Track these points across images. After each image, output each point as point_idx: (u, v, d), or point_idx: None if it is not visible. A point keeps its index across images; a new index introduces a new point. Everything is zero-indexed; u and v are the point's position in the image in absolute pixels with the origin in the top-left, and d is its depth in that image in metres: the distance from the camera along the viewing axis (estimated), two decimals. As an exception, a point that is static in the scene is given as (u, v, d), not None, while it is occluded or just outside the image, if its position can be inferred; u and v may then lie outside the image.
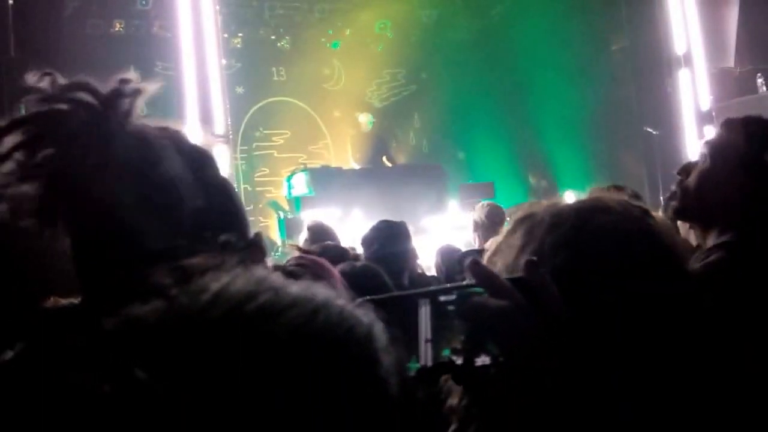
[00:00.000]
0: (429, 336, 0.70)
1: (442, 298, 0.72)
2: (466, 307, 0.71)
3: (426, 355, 0.70)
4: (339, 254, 2.67)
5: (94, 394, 0.48)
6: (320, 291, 0.56)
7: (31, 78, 0.81)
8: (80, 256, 0.85)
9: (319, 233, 4.84)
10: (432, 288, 0.76)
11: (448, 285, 0.79)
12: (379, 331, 0.57)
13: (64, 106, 0.81)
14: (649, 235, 0.81)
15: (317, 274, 1.38)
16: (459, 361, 0.69)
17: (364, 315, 0.58)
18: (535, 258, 0.73)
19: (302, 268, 1.38)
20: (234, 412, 0.49)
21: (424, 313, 0.71)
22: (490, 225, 4.47)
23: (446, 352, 0.70)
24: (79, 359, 0.52)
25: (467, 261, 0.74)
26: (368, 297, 0.65)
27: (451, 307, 0.72)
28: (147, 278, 0.63)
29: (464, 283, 0.74)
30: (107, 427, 0.48)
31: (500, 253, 0.85)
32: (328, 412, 0.51)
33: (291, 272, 1.27)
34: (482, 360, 0.69)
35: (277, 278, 0.57)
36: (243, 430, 0.49)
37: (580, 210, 0.83)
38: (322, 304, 0.55)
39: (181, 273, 0.60)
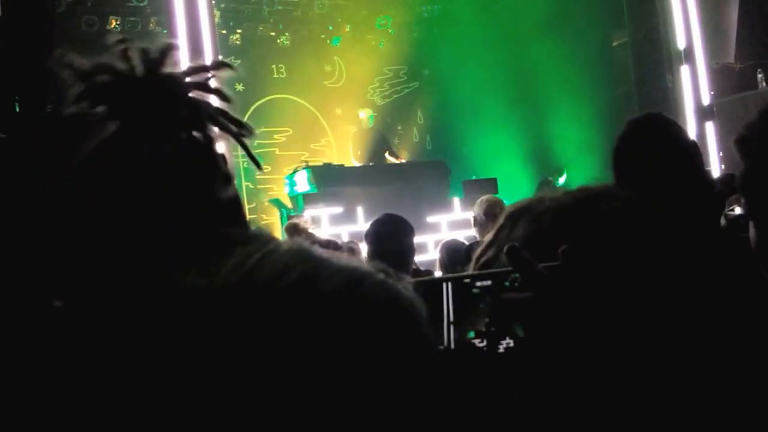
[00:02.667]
0: (452, 319, 0.70)
1: (478, 283, 0.72)
2: (502, 292, 0.70)
3: (449, 337, 0.70)
4: (334, 248, 2.67)
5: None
6: (362, 264, 0.58)
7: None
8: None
9: (293, 232, 5.17)
10: (468, 273, 0.76)
11: (485, 271, 0.78)
12: (420, 303, 0.58)
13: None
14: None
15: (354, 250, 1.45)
16: (482, 344, 0.69)
17: (405, 287, 0.59)
18: (516, 243, 0.73)
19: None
20: (276, 376, 0.50)
21: (448, 295, 0.72)
22: (488, 220, 4.43)
23: (471, 335, 0.70)
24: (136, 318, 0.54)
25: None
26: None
27: (475, 290, 0.72)
28: (193, 246, 0.66)
29: (501, 269, 0.73)
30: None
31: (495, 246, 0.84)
32: (373, 371, 0.52)
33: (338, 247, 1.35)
34: (506, 343, 0.69)
35: (319, 250, 0.58)
36: (286, 391, 0.50)
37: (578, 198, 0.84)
38: (366, 273, 0.56)
39: (226, 241, 0.61)
